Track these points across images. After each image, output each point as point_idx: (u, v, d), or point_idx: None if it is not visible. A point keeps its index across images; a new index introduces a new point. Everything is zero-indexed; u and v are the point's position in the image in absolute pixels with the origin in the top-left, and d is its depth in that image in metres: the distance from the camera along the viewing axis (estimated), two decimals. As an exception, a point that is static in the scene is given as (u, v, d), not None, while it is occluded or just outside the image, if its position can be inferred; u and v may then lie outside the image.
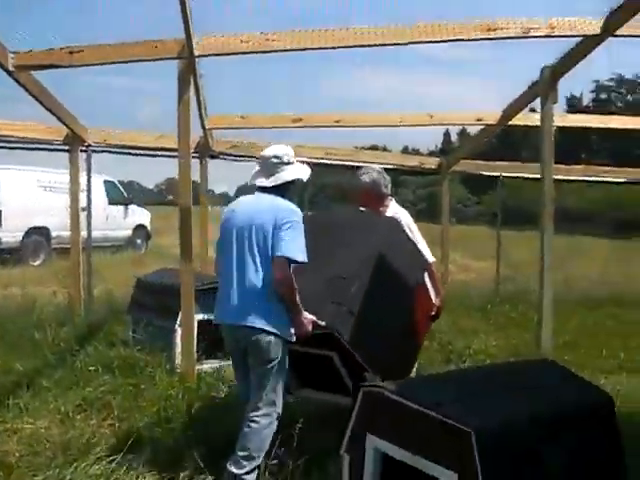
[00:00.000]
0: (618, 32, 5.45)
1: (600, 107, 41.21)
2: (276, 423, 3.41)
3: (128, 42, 4.95)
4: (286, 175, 3.59)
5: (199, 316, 5.61)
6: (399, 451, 2.69)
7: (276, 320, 3.38)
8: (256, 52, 5.08)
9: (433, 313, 4.19)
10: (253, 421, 3.38)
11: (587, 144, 44.23)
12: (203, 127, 6.93)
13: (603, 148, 41.36)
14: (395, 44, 5.31)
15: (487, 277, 11.31)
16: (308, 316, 3.46)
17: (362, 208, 4.24)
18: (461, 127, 69.42)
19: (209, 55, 4.94)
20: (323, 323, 3.48)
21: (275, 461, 3.46)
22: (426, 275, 4.14)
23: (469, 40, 5.45)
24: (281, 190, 3.58)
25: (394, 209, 4.39)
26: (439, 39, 5.40)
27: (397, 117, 7.35)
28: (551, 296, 6.46)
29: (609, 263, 13.50)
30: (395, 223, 4.15)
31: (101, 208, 14.34)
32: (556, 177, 10.05)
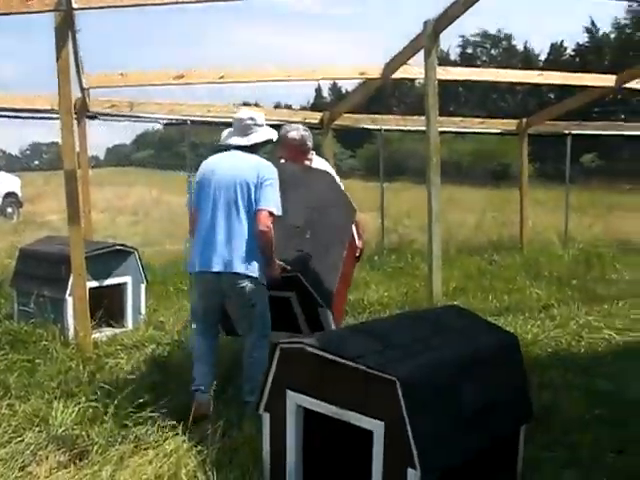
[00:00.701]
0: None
1: (466, 61, 42.68)
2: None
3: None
4: (259, 136, 3.97)
5: (91, 283, 5.40)
6: (322, 405, 2.73)
7: (255, 267, 3.79)
8: (136, 5, 4.84)
9: (357, 254, 4.79)
10: (252, 357, 3.86)
11: (455, 97, 45.80)
12: (81, 86, 6.56)
13: (469, 100, 42.97)
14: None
15: (370, 229, 11.57)
16: (277, 262, 3.87)
17: (283, 160, 4.56)
18: (332, 82, 70.18)
19: (89, 8, 4.64)
20: (289, 267, 3.93)
21: None
22: None
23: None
24: (254, 149, 3.96)
25: (317, 162, 4.75)
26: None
27: (282, 72, 7.26)
28: (439, 245, 6.69)
29: (483, 212, 14.22)
30: (330, 177, 4.60)
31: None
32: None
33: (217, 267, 3.77)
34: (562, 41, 44.35)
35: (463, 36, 46.05)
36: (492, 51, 46.92)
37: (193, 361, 4.01)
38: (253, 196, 3.78)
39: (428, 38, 6.41)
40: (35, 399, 3.95)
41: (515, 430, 3.06)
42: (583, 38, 41.54)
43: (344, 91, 70.46)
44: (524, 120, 10.51)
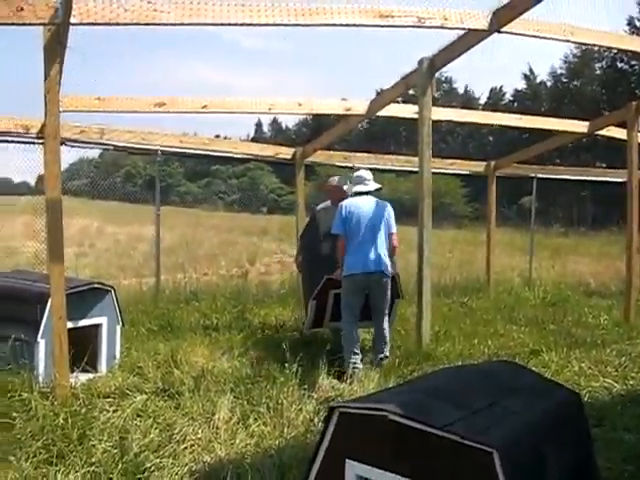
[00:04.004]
0: (505, 29, 5.53)
1: (408, 102, 43.32)
2: None
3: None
4: (373, 186, 6.11)
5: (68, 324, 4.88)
6: (394, 478, 2.39)
7: (389, 268, 5.89)
8: (137, 24, 4.47)
9: None
10: (385, 329, 5.92)
11: (396, 136, 46.55)
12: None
13: (411, 140, 43.66)
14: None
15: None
16: None
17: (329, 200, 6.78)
18: (272, 118, 70.34)
19: (89, 24, 4.23)
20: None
21: None
22: None
23: (362, 26, 5.22)
24: (370, 194, 6.05)
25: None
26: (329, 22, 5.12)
27: (266, 103, 6.97)
28: (429, 290, 6.49)
29: (439, 252, 14.15)
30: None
31: None
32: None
33: (372, 268, 5.72)
34: (501, 86, 45.88)
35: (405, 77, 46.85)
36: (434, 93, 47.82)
37: (343, 344, 5.75)
38: (385, 224, 5.93)
39: (423, 76, 6.26)
40: (18, 462, 3.43)
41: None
42: (521, 84, 43.01)
43: (284, 127, 71.14)
44: (492, 163, 10.52)
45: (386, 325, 5.92)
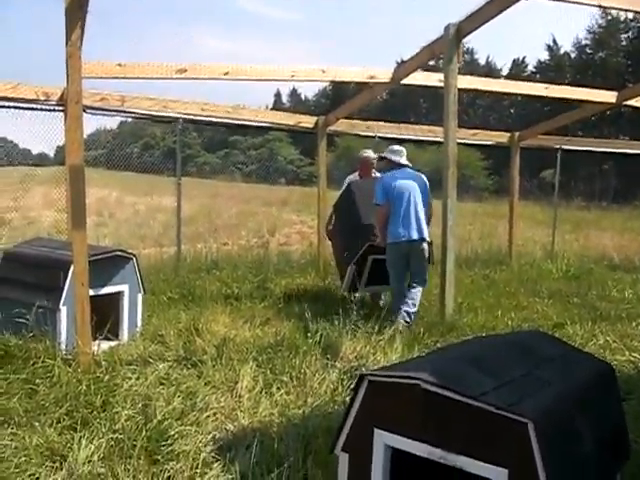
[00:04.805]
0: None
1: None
2: None
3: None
4: (407, 160, 6.55)
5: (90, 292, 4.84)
6: (423, 448, 2.32)
7: (427, 235, 6.36)
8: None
9: None
10: (417, 288, 6.29)
11: (415, 107, 46.11)
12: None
13: (429, 112, 43.23)
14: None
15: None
16: None
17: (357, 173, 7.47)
18: (291, 88, 69.83)
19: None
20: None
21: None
22: None
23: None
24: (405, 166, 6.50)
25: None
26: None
27: (289, 71, 6.85)
28: (453, 260, 6.40)
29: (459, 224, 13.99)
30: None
31: None
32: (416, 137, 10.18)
33: (415, 236, 6.19)
34: (524, 57, 45.06)
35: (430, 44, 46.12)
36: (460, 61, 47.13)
37: (394, 300, 6.44)
38: (424, 194, 6.37)
39: (450, 43, 6.10)
40: (42, 428, 3.42)
41: (617, 470, 2.72)
42: (544, 55, 42.21)
43: (303, 97, 70.61)
44: (516, 134, 10.33)
45: (420, 288, 6.33)
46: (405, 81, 7.33)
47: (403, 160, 6.48)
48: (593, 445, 2.44)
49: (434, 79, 7.33)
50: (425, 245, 6.31)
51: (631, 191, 27.42)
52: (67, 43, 4.30)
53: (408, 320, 6.10)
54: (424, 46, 6.70)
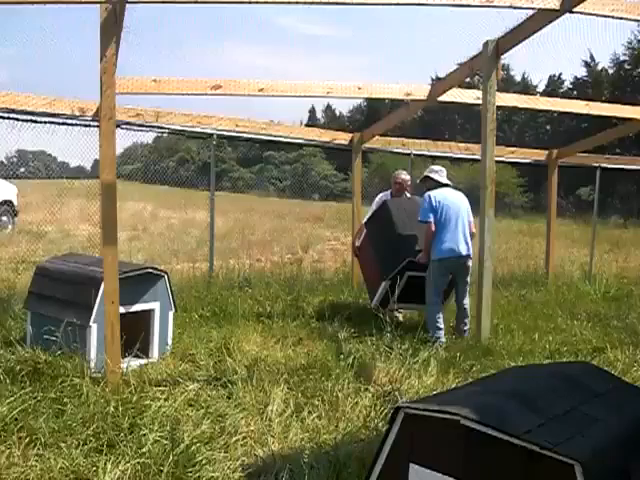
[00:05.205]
0: (577, 9, 5.22)
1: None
2: None
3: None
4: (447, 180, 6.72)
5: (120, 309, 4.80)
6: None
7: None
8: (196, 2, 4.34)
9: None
10: (467, 304, 6.56)
11: (450, 123, 45.84)
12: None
13: (464, 128, 42.96)
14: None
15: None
16: None
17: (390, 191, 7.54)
18: (325, 105, 70.03)
19: (144, 2, 4.12)
20: None
21: None
22: None
23: (428, 5, 4.99)
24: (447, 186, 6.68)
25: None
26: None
27: (324, 87, 6.79)
28: (490, 282, 6.25)
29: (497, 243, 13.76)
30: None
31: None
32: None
33: (464, 252, 6.38)
34: (560, 74, 44.55)
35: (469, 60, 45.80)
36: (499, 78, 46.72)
37: (429, 319, 6.40)
38: (467, 212, 6.57)
39: (488, 59, 5.99)
40: (68, 449, 3.36)
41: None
42: (581, 72, 41.70)
43: (337, 114, 70.77)
44: (554, 151, 10.13)
45: (467, 301, 6.56)
46: (442, 98, 7.21)
47: (444, 179, 6.63)
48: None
49: (471, 96, 7.21)
50: (471, 262, 6.51)
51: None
52: (101, 59, 4.29)
53: (466, 329, 6.53)
54: (462, 63, 6.58)
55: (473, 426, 2.11)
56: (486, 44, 5.98)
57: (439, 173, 6.66)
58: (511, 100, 7.66)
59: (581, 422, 2.27)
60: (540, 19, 5.52)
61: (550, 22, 5.44)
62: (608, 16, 5.33)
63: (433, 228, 6.38)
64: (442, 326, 6.36)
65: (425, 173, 6.76)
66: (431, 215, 6.38)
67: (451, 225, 6.38)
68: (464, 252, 6.37)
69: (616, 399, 2.58)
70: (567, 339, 6.75)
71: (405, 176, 7.54)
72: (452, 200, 6.50)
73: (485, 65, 6.01)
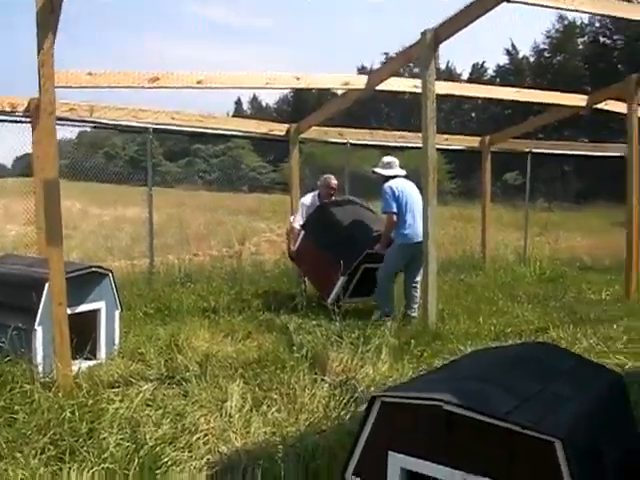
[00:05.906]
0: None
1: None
2: None
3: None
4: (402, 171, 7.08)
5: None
6: (444, 471, 2.23)
7: None
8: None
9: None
10: (416, 288, 6.85)
11: (377, 112, 46.24)
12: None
13: (390, 117, 43.42)
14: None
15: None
16: None
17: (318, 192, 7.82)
18: (251, 96, 69.50)
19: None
20: None
21: None
22: None
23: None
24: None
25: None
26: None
27: (263, 78, 6.72)
28: (435, 269, 6.35)
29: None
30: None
31: None
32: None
33: (421, 239, 6.40)
34: (483, 62, 45.58)
35: (387, 53, 46.25)
36: (415, 69, 47.37)
37: (380, 297, 6.92)
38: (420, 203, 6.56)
39: (427, 48, 6.05)
40: (26, 459, 3.23)
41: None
42: (503, 60, 42.77)
43: (264, 104, 70.37)
44: (487, 137, 10.36)
45: (420, 279, 6.77)
46: (380, 87, 7.26)
47: (397, 171, 6.99)
48: (614, 459, 2.36)
49: (410, 85, 7.28)
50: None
51: (591, 192, 27.82)
52: (39, 51, 4.11)
53: (414, 315, 6.84)
54: (400, 52, 6.64)
55: (455, 410, 2.13)
56: (424, 33, 6.04)
57: (390, 164, 7.02)
58: (448, 88, 7.77)
59: (552, 401, 2.33)
60: (478, 8, 5.62)
61: (488, 11, 5.54)
62: (545, 6, 5.47)
63: (395, 219, 6.73)
64: (390, 302, 6.85)
65: (376, 169, 7.11)
66: (394, 205, 6.71)
67: (412, 212, 6.72)
68: (422, 238, 6.52)
69: (580, 377, 2.66)
70: (510, 321, 6.92)
71: (335, 180, 7.85)
72: (410, 190, 6.86)
73: (424, 54, 6.07)
